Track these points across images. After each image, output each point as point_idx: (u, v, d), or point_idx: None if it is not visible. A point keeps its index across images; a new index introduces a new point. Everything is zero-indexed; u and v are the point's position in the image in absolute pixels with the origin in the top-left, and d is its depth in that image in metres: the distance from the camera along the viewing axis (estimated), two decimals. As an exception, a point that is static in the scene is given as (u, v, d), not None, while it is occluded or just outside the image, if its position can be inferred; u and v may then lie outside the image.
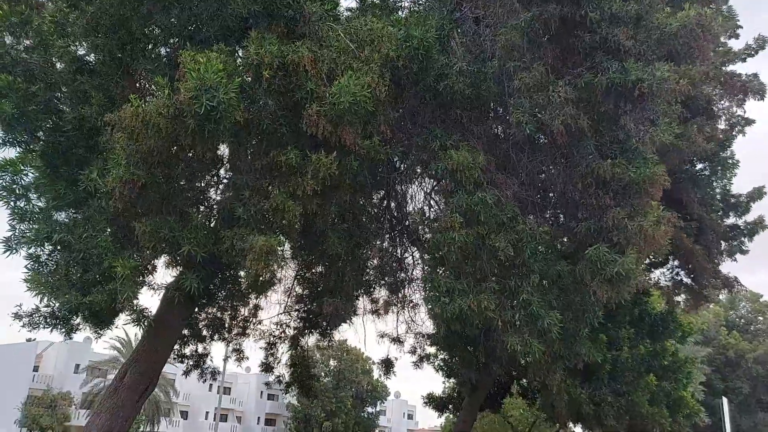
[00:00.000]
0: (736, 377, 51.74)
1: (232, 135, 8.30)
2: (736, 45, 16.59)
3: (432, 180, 11.62)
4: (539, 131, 9.03)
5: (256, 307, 15.68)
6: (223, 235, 8.43)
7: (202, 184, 10.10)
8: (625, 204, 8.96)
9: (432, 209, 12.41)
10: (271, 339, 16.21)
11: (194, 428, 59.33)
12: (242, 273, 9.02)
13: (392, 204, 13.04)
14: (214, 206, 10.09)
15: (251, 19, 8.95)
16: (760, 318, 59.81)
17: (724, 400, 17.96)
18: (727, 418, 17.14)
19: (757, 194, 17.69)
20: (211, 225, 9.43)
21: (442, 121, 10.16)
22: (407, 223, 12.82)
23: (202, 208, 10.12)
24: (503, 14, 9.76)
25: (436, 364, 19.97)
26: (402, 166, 11.40)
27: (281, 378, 17.21)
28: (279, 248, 8.27)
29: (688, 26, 8.26)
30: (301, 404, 49.21)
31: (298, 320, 15.18)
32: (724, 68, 14.74)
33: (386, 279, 13.81)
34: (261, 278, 8.21)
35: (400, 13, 10.98)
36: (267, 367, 16.85)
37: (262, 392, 65.13)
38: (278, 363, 16.62)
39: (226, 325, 15.19)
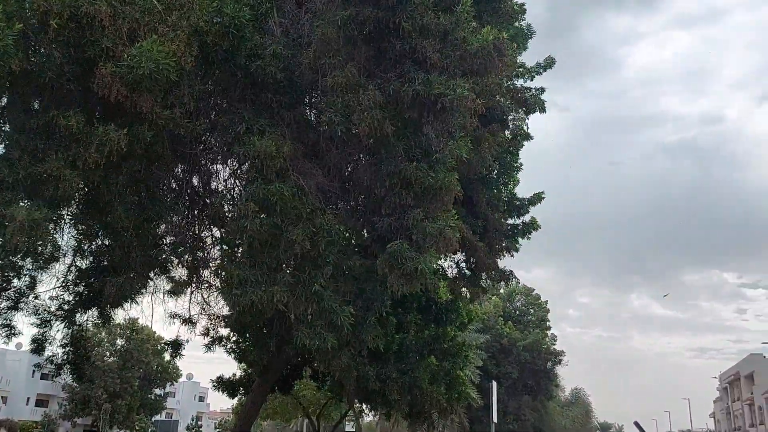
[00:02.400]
0: (508, 363, 57.80)
1: (5, 86, 7.30)
2: (528, 61, 18.16)
3: (236, 162, 11.29)
4: (348, 131, 9.19)
5: (33, 279, 14.09)
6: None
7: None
8: (423, 206, 9.47)
9: (235, 190, 12.08)
10: (46, 315, 14.67)
11: (-56, 410, 52.23)
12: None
13: (194, 179, 12.45)
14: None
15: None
16: (531, 311, 67.32)
17: (494, 383, 19.82)
18: (495, 399, 18.90)
19: (536, 198, 19.73)
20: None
21: (252, 102, 9.89)
22: (208, 201, 12.33)
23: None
24: (323, 4, 9.76)
25: (228, 347, 19.56)
26: (210, 141, 10.91)
27: (53, 358, 15.69)
28: (47, 221, 7.47)
29: (487, 48, 8.94)
30: (80, 385, 45.51)
31: (76, 296, 13.89)
32: (514, 82, 16.21)
33: (183, 257, 13.16)
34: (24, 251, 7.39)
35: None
36: (38, 346, 15.23)
37: (34, 371, 59.18)
38: (51, 342, 15.11)
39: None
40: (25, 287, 14.23)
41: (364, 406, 29.40)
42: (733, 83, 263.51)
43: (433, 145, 9.81)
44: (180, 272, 13.91)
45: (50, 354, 15.61)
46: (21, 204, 7.08)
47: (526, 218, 19.60)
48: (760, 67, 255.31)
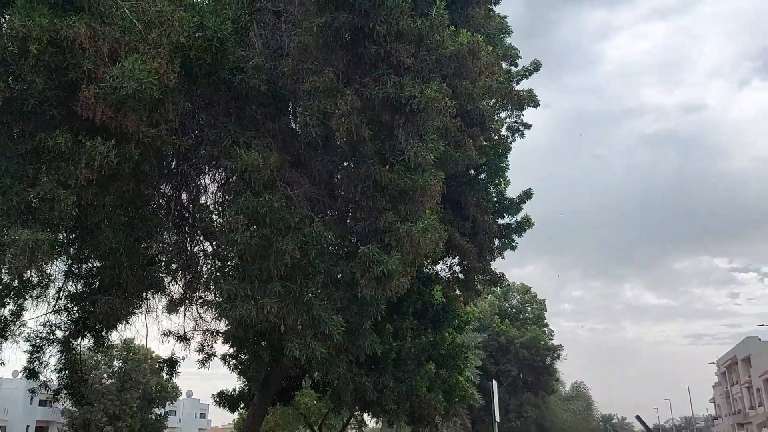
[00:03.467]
0: (507, 361, 57.86)
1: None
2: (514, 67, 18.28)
3: (223, 175, 11.28)
4: (325, 135, 9.19)
5: (20, 307, 13.96)
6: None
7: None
8: (400, 209, 9.46)
9: (225, 204, 12.06)
10: (38, 341, 14.55)
11: (-58, 443, 51.60)
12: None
13: (183, 195, 12.43)
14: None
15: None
16: (528, 308, 67.48)
17: (494, 382, 19.81)
18: (496, 398, 18.90)
19: (525, 196, 19.84)
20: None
21: (237, 115, 9.93)
22: (198, 216, 12.32)
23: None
24: (301, 13, 9.82)
25: (230, 363, 19.49)
26: (195, 157, 10.92)
27: (48, 384, 15.58)
28: (47, 243, 7.46)
29: (461, 52, 8.99)
30: (79, 409, 45.12)
31: (70, 321, 13.79)
32: (505, 84, 16.30)
33: (177, 274, 13.11)
34: (24, 276, 7.38)
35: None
36: (31, 373, 15.14)
37: (32, 398, 58.67)
38: (45, 367, 15.01)
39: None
40: (10, 315, 14.04)
41: (364, 415, 29.33)
42: (711, 71, 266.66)
43: (404, 148, 9.82)
44: (174, 290, 13.87)
45: (45, 380, 15.47)
46: (20, 229, 7.04)
47: (519, 216, 19.70)
48: (736, 55, 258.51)
